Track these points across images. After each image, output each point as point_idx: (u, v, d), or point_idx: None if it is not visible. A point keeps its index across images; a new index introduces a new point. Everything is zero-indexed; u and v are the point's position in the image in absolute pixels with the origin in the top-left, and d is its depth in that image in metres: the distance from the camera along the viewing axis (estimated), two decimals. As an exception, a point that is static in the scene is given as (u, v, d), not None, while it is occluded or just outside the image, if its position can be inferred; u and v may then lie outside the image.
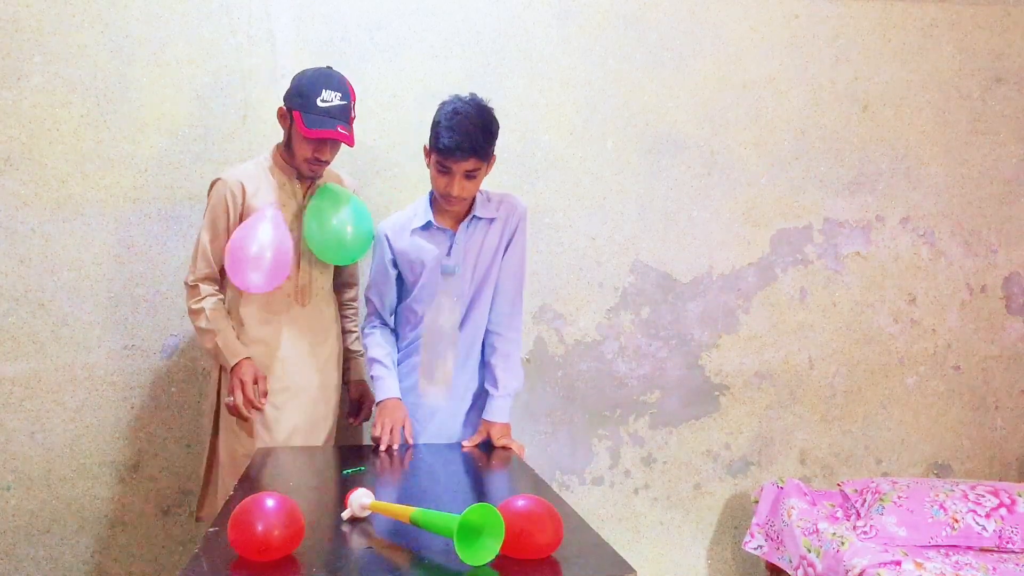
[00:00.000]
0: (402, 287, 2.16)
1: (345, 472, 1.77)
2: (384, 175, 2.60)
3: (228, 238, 2.03)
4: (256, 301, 2.09)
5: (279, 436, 2.09)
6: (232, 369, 2.01)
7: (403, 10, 2.60)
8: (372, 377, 2.15)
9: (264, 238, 1.96)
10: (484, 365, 2.14)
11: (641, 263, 2.77)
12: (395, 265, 2.12)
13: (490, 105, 1.99)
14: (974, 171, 2.95)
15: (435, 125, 1.96)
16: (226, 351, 2.02)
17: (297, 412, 2.12)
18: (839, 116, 2.86)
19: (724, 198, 2.81)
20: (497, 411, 2.07)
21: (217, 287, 2.11)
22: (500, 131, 2.01)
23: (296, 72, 2.08)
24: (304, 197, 2.13)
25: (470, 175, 1.95)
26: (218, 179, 2.09)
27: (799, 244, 2.86)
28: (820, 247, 2.87)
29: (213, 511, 2.14)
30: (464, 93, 2.00)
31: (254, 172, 2.10)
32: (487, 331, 2.13)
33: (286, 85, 2.55)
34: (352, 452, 2.08)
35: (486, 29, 2.64)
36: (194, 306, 2.07)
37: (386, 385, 2.09)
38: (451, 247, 2.05)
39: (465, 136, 1.89)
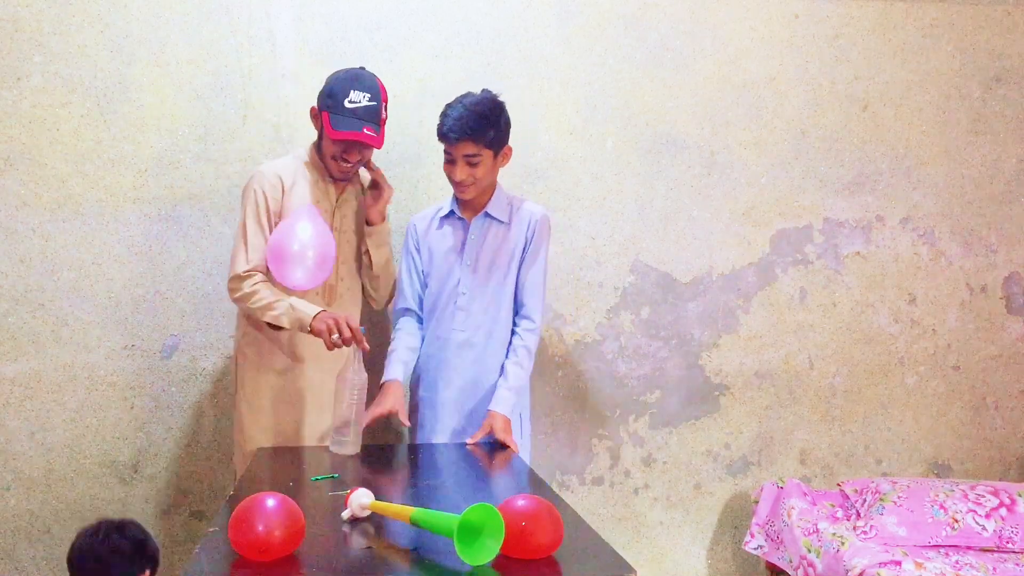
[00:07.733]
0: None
1: (314, 478, 1.73)
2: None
3: (271, 231, 2.01)
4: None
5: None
6: (313, 322, 1.91)
7: (403, 10, 2.60)
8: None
9: (304, 235, 1.93)
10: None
11: (641, 263, 2.77)
12: (418, 253, 2.18)
13: (500, 99, 2.05)
14: (974, 171, 2.94)
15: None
16: (303, 308, 1.94)
17: (320, 411, 2.13)
18: (839, 116, 2.85)
19: (724, 198, 2.80)
20: (500, 401, 2.07)
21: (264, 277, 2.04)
22: None
23: (331, 74, 2.09)
24: (336, 199, 2.12)
25: (470, 160, 2.01)
26: (255, 172, 2.09)
27: (799, 244, 2.86)
28: (820, 247, 2.87)
29: None
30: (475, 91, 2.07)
31: (291, 167, 2.10)
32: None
33: (286, 85, 2.55)
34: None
35: (486, 29, 2.64)
36: (248, 289, 1.98)
37: (388, 368, 2.14)
38: (465, 240, 2.11)
39: (456, 120, 1.98)
